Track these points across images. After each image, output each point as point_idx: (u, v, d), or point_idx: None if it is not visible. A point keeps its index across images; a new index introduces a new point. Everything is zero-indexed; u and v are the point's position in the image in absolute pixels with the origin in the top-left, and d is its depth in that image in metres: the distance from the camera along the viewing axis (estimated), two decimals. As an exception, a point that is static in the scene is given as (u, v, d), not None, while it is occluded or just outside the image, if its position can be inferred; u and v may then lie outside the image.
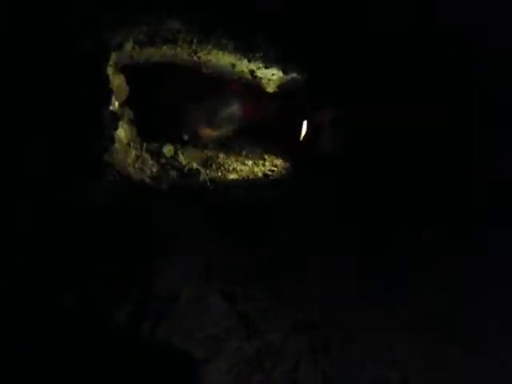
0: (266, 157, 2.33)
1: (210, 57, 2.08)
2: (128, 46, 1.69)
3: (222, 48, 1.89)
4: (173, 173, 2.04)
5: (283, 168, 2.19)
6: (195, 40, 1.84)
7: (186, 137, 2.42)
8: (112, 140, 1.56)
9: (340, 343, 0.91)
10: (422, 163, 1.68)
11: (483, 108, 1.56)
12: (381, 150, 1.83)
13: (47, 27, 1.28)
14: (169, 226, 1.38)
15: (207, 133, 2.49)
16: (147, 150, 2.11)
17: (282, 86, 2.31)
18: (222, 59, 2.08)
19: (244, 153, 2.36)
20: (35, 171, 1.18)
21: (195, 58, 2.09)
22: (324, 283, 1.06)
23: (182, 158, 2.15)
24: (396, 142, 1.78)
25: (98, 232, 1.16)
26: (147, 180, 1.87)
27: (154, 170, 2.05)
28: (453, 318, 1.04)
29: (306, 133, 2.51)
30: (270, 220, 1.48)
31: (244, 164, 2.20)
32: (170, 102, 2.39)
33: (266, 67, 2.08)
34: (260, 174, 2.10)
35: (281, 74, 2.12)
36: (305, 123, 2.55)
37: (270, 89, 2.40)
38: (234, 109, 2.47)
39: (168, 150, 2.26)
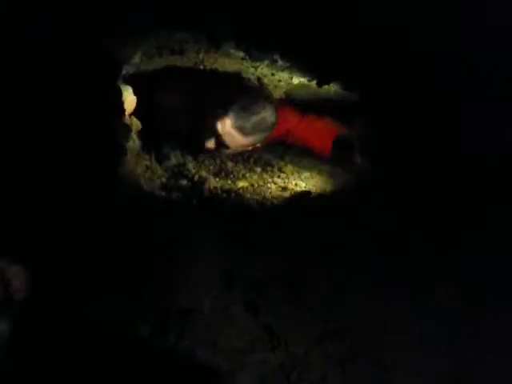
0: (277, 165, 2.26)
1: (215, 65, 2.09)
2: (137, 59, 1.71)
3: (229, 57, 1.90)
4: (183, 181, 2.05)
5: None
6: (202, 50, 1.86)
7: (210, 143, 2.11)
8: (124, 152, 1.57)
9: (366, 353, 0.91)
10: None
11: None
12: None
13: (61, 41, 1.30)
14: (182, 235, 1.39)
15: (236, 140, 2.09)
16: (156, 160, 2.12)
17: (289, 92, 2.31)
18: (229, 66, 2.09)
19: (252, 160, 2.35)
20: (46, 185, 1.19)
21: (201, 66, 2.10)
22: (347, 293, 1.06)
23: (191, 166, 2.16)
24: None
25: (115, 245, 1.17)
26: (157, 190, 1.88)
27: (164, 179, 2.06)
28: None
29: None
30: (285, 228, 1.49)
31: (253, 171, 2.21)
32: (181, 106, 2.16)
33: (273, 74, 2.10)
34: (271, 183, 2.09)
35: (288, 79, 2.13)
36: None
37: (277, 95, 2.41)
38: (268, 113, 2.05)
39: (176, 158, 2.25)
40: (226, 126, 2.05)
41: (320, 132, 2.30)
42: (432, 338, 0.97)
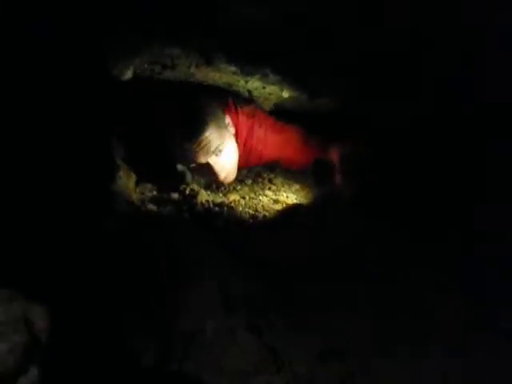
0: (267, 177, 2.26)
1: (206, 78, 2.09)
2: (129, 74, 1.70)
3: (220, 71, 1.91)
4: (174, 195, 2.04)
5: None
6: (194, 63, 1.86)
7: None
8: (118, 168, 1.57)
9: (365, 370, 0.92)
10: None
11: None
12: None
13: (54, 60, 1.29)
14: (179, 253, 1.38)
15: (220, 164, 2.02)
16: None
17: (278, 104, 2.32)
18: (220, 80, 2.09)
19: (243, 172, 2.35)
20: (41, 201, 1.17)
21: (192, 79, 2.10)
22: (346, 312, 1.07)
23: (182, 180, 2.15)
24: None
25: (116, 263, 1.16)
26: (149, 205, 1.87)
27: (155, 192, 2.05)
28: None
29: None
30: (282, 244, 1.49)
31: (244, 183, 2.21)
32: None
33: (264, 88, 2.10)
34: (263, 195, 2.09)
35: (279, 92, 2.13)
36: None
37: (266, 107, 2.42)
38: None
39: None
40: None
41: (283, 143, 2.21)
42: (431, 355, 0.98)
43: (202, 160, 1.96)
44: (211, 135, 1.91)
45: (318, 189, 2.19)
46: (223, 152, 1.99)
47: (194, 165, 2.00)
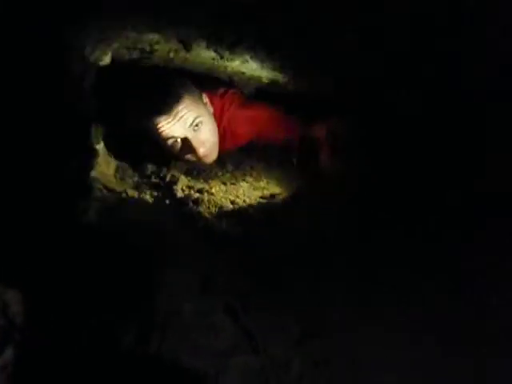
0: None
1: (186, 63, 2.08)
2: (107, 59, 1.69)
3: (200, 57, 1.90)
4: (155, 181, 2.04)
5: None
6: (173, 49, 1.85)
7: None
8: (97, 154, 1.56)
9: (341, 353, 0.95)
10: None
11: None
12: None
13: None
14: (157, 238, 1.39)
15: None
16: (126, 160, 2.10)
17: (259, 87, 2.31)
18: (199, 65, 2.09)
19: (225, 157, 2.35)
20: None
21: (171, 64, 2.09)
22: (324, 298, 1.10)
23: (162, 166, 2.15)
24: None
25: (94, 249, 1.16)
26: (130, 191, 1.87)
27: (136, 179, 2.05)
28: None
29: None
30: (259, 229, 1.51)
31: (225, 169, 2.22)
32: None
33: (243, 73, 2.10)
34: (243, 181, 2.11)
35: (259, 77, 2.13)
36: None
37: (246, 91, 2.42)
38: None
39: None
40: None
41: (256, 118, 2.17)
42: (409, 335, 1.01)
43: (179, 134, 1.93)
44: (187, 107, 1.89)
45: (302, 172, 2.14)
46: (201, 127, 1.96)
47: (170, 141, 1.97)
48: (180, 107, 1.87)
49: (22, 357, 0.46)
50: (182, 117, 1.88)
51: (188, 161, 2.13)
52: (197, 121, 1.93)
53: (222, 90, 2.21)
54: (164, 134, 1.93)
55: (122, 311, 0.97)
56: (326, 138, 1.98)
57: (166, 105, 1.86)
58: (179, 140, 1.98)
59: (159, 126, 1.89)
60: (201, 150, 2.00)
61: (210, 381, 0.87)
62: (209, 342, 0.93)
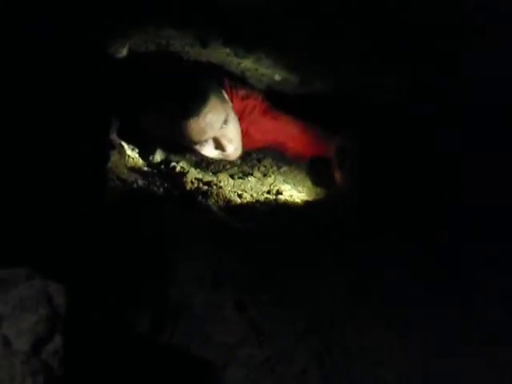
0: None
1: (200, 57, 2.11)
2: (124, 52, 1.72)
3: (215, 51, 1.93)
4: (164, 172, 2.08)
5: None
6: (188, 43, 1.88)
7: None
8: (112, 144, 1.60)
9: (343, 346, 1.00)
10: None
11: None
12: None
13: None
14: (167, 231, 1.43)
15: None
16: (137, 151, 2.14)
17: (271, 86, 2.33)
18: (213, 60, 2.11)
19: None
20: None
21: (185, 58, 2.11)
22: (330, 292, 1.14)
23: (172, 158, 2.19)
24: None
25: (107, 241, 1.21)
26: (140, 183, 1.91)
27: (146, 169, 2.09)
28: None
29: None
30: (266, 223, 1.55)
31: (233, 163, 2.26)
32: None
33: (256, 69, 2.13)
34: (251, 175, 2.14)
35: (271, 75, 2.15)
36: None
37: (259, 87, 2.44)
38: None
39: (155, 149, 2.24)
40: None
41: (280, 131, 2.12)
42: (406, 330, 1.06)
43: (210, 135, 1.93)
44: (215, 108, 1.88)
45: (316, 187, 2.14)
46: (229, 125, 1.97)
47: (199, 143, 1.98)
48: (208, 109, 1.85)
49: (68, 343, 0.51)
50: (211, 118, 1.87)
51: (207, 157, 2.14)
52: (224, 119, 1.93)
53: (243, 92, 2.17)
54: (195, 137, 1.93)
55: (134, 302, 1.01)
56: (334, 158, 1.97)
57: (194, 108, 1.84)
58: (209, 141, 1.99)
59: (189, 130, 1.88)
60: (229, 147, 2.02)
61: (217, 371, 0.92)
62: (218, 335, 0.97)
